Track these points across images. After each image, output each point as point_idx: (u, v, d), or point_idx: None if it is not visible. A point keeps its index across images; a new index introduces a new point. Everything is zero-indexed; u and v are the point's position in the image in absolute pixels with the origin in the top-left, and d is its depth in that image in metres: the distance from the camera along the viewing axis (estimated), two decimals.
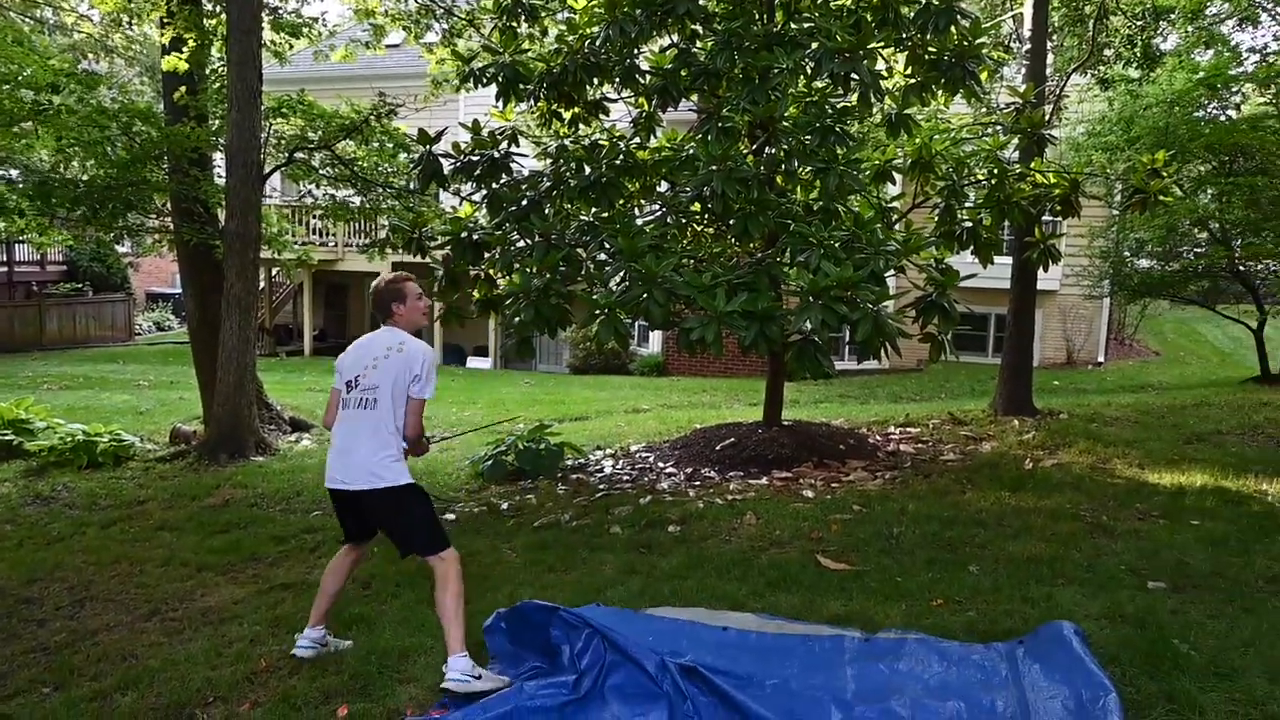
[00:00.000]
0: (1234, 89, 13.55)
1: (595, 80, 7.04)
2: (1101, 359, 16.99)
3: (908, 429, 8.67)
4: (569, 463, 7.51)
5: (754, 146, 6.64)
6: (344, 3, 11.54)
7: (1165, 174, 6.76)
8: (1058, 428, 8.19)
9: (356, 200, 10.41)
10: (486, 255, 6.70)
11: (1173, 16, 13.48)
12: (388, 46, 12.57)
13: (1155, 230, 12.72)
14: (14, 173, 10.17)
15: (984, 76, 7.13)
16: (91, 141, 8.81)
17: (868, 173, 7.01)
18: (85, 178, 9.49)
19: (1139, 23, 12.97)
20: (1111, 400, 10.51)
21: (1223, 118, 13.55)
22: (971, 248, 7.03)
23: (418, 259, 7.14)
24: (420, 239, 6.85)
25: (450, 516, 6.09)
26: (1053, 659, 3.36)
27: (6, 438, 8.32)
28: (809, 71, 6.56)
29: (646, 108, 7.32)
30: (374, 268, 14.81)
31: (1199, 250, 13.20)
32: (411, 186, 9.51)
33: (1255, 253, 11.93)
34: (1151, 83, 13.25)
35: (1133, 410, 9.25)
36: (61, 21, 21.00)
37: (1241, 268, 12.45)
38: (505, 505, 6.30)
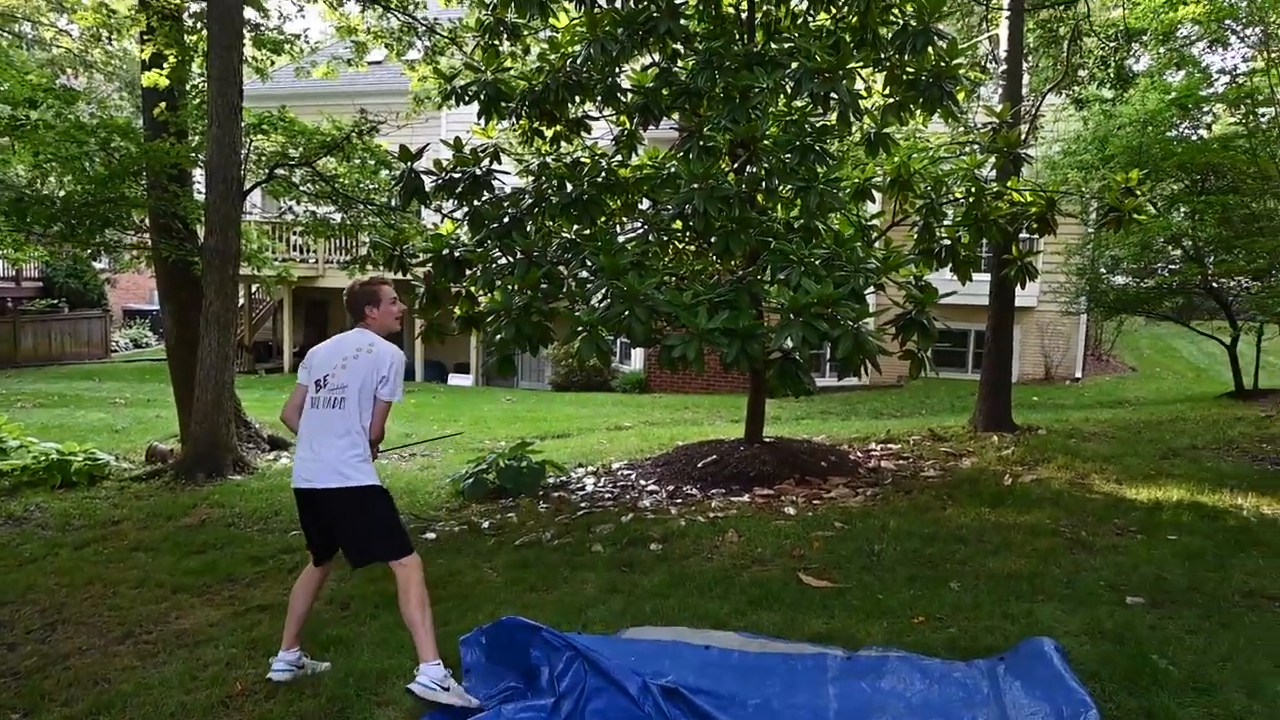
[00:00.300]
0: (1205, 109, 13.79)
1: (577, 98, 7.07)
2: (1079, 374, 17.16)
3: (889, 445, 8.71)
4: (550, 480, 7.48)
5: (735, 165, 6.68)
6: (326, 19, 11.55)
7: (1139, 192, 6.87)
8: (1036, 444, 8.25)
9: (337, 217, 10.38)
10: (468, 272, 6.70)
11: (1144, 38, 13.73)
12: (370, 63, 12.57)
13: (1130, 248, 12.90)
14: None
15: (961, 96, 7.22)
16: (69, 157, 8.74)
17: (848, 191, 7.07)
18: (62, 194, 9.41)
19: (1112, 44, 13.21)
20: (1089, 416, 10.61)
21: (1194, 137, 13.78)
22: (950, 265, 7.11)
23: (399, 276, 7.12)
24: (401, 256, 6.84)
25: (430, 535, 6.04)
26: (1034, 676, 3.37)
27: None
28: (789, 91, 6.62)
29: (628, 126, 7.36)
30: None
31: (1173, 267, 13.39)
32: (393, 203, 9.49)
33: (1228, 270, 12.12)
34: (1125, 103, 13.46)
35: (1110, 426, 9.35)
36: (40, 36, 20.86)
37: (1215, 284, 12.64)
38: (486, 524, 6.26)
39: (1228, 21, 13.91)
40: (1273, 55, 12.56)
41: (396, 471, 8.39)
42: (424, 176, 6.86)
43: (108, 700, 3.56)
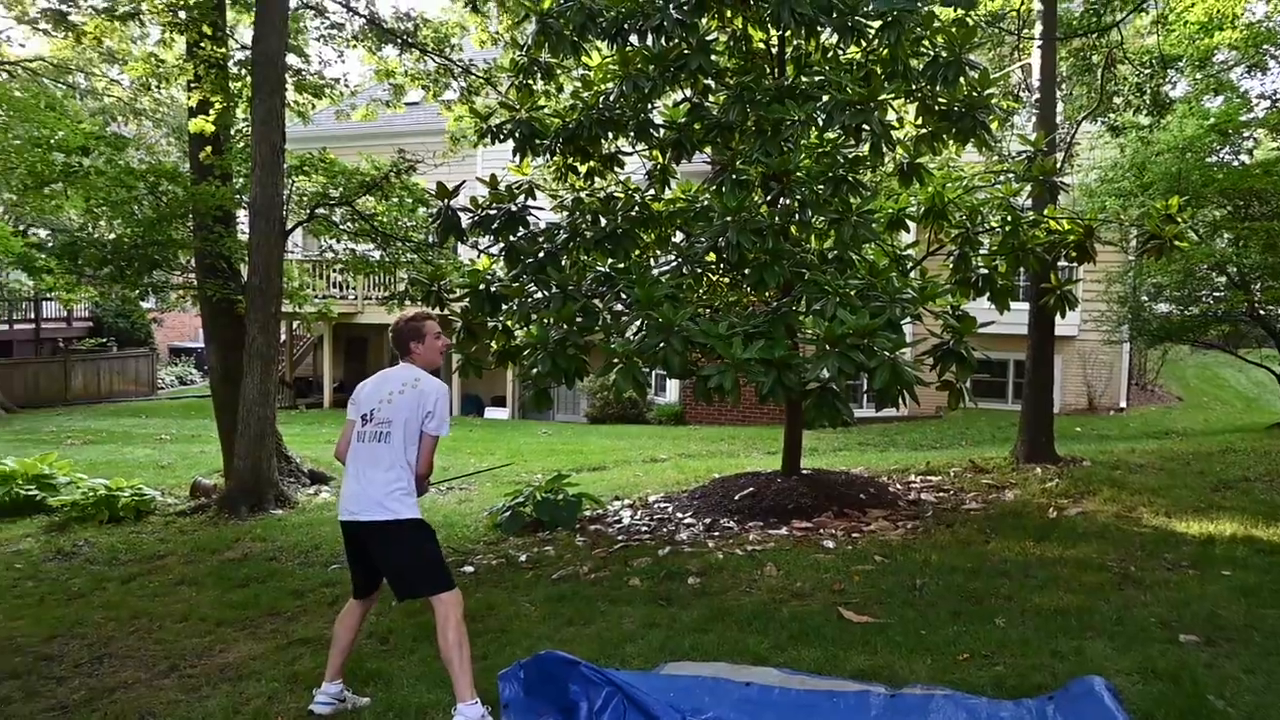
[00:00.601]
0: (1245, 134, 13.60)
1: (610, 134, 7.17)
2: (1124, 404, 16.81)
3: (929, 477, 8.58)
4: (587, 513, 7.47)
5: (768, 197, 6.71)
6: (365, 63, 11.85)
7: (1180, 219, 6.78)
8: (1081, 475, 8.08)
9: (376, 254, 10.56)
10: (504, 307, 6.77)
11: (1181, 64, 13.62)
12: (407, 104, 12.85)
13: (1172, 275, 12.69)
14: (44, 232, 10.41)
15: (994, 126, 7.22)
16: (119, 201, 9.03)
17: (881, 221, 7.06)
18: (112, 237, 9.71)
19: (1147, 71, 13.09)
20: (1135, 447, 10.38)
21: (1235, 163, 13.58)
22: (987, 294, 7.05)
23: (437, 311, 7.22)
24: (439, 291, 6.94)
25: (468, 569, 6.06)
26: (1084, 716, 3.28)
27: (30, 493, 8.38)
28: (820, 123, 6.65)
29: (661, 160, 7.43)
30: (393, 320, 14.95)
31: (1218, 294, 13.14)
32: (430, 240, 9.65)
33: (1275, 297, 11.86)
34: (1162, 129, 13.31)
35: (1157, 457, 9.13)
36: (93, 86, 21.66)
37: (1262, 311, 12.36)
38: (523, 557, 6.27)
39: (1266, 46, 13.79)
40: None
41: (434, 505, 8.44)
42: (460, 213, 6.98)
43: None
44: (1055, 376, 11.00)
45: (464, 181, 7.54)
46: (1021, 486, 7.86)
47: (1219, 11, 12.42)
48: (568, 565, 5.92)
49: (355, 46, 11.46)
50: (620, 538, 6.64)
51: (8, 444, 13.10)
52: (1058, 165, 8.28)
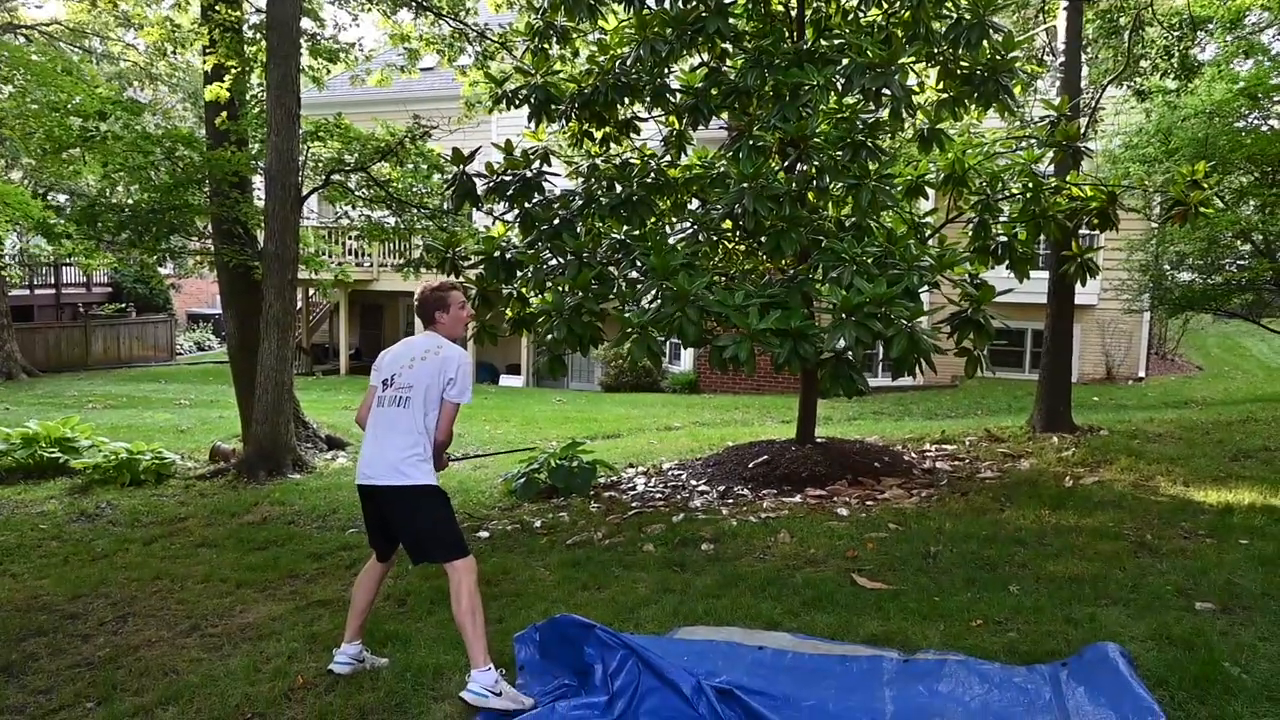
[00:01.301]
0: (1276, 99, 13.28)
1: (626, 100, 7.10)
2: (1142, 374, 16.66)
3: (944, 446, 8.56)
4: (602, 480, 7.51)
5: (785, 163, 6.64)
6: (380, 27, 11.76)
7: (1206, 185, 6.65)
8: (1098, 445, 8.04)
9: (391, 221, 10.55)
10: (519, 274, 6.76)
11: (1211, 26, 13.29)
12: (422, 70, 12.75)
13: (1196, 243, 12.49)
14: (63, 197, 10.45)
15: (1018, 90, 7.08)
16: (136, 167, 9.05)
17: (900, 188, 6.97)
18: (130, 202, 9.74)
19: (1175, 33, 12.80)
20: (1153, 416, 10.31)
21: (1265, 128, 13.29)
22: (1007, 262, 6.97)
23: (452, 278, 7.22)
24: (454, 258, 6.93)
25: (484, 534, 6.11)
26: (1098, 682, 3.29)
27: (53, 455, 8.51)
28: (839, 88, 6.55)
29: (677, 126, 7.36)
30: (409, 287, 14.99)
31: (1242, 263, 12.93)
32: (445, 207, 9.63)
33: None
34: (1190, 94, 13.02)
35: (1176, 426, 9.06)
36: (109, 51, 21.63)
37: None
38: (538, 523, 6.32)
39: None
40: None
41: (449, 471, 8.47)
42: (475, 180, 6.95)
43: (176, 691, 3.67)
44: (1074, 346, 10.90)
45: (479, 148, 7.50)
46: (1038, 455, 7.83)
47: None
48: (582, 531, 5.96)
49: (370, 10, 11.36)
50: (635, 504, 6.67)
51: (30, 407, 13.28)
52: (1081, 130, 8.13)
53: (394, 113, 14.39)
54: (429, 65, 15.02)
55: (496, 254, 6.66)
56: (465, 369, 3.70)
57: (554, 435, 10.57)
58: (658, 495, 6.97)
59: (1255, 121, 13.48)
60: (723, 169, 7.10)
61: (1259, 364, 18.34)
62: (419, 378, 3.64)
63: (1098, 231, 7.25)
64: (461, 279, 7.17)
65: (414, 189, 10.07)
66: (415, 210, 10.11)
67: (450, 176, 7.16)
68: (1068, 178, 7.23)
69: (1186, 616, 4.02)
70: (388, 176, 9.99)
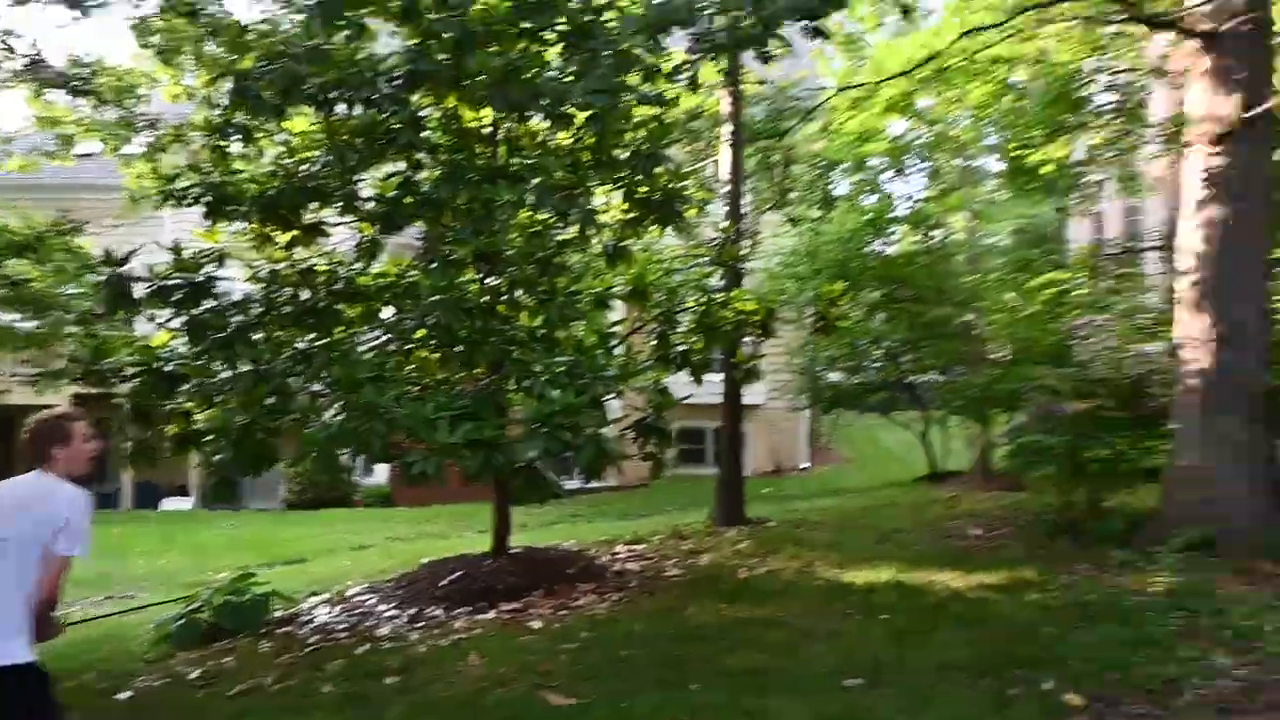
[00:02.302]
0: (891, 230, 15.94)
1: (314, 204, 6.86)
2: (806, 465, 18.65)
3: (634, 546, 8.88)
4: (278, 614, 6.82)
5: (479, 276, 6.75)
6: (30, 106, 10.38)
7: (840, 303, 7.77)
8: (768, 536, 8.79)
9: (29, 325, 9.19)
10: (184, 387, 6.15)
11: (843, 167, 15.79)
12: (80, 156, 11.41)
13: (842, 347, 14.44)
14: None
15: (691, 213, 7.85)
16: None
17: (588, 301, 7.35)
18: None
19: (816, 170, 15.03)
20: (814, 504, 11.51)
21: (886, 253, 15.85)
22: (687, 369, 7.55)
23: (100, 391, 6.40)
24: (102, 370, 6.15)
25: (123, 695, 5.28)
26: None
27: None
28: (530, 205, 6.83)
29: (369, 232, 7.22)
30: (47, 401, 13.00)
31: (877, 365, 15.11)
32: (96, 311, 8.59)
33: (919, 368, 13.88)
34: (829, 222, 15.26)
35: (832, 514, 10.18)
36: None
37: (909, 381, 14.39)
38: (195, 674, 5.57)
39: (904, 156, 16.39)
40: (940, 186, 14.88)
41: (93, 617, 7.33)
42: (133, 283, 6.29)
43: None
44: (747, 443, 11.97)
45: (142, 245, 6.84)
46: (716, 550, 8.38)
47: (868, 126, 14.59)
48: (249, 678, 5.36)
49: (14, 87, 10.05)
50: (313, 639, 6.15)
51: None
52: (744, 252, 9.18)
53: (42, 201, 12.66)
54: (90, 151, 13.54)
55: (156, 365, 6.02)
56: (84, 513, 3.15)
57: (226, 565, 9.51)
58: (341, 626, 6.46)
59: (880, 246, 16.04)
60: (415, 278, 7.06)
61: (890, 454, 21.25)
62: (17, 529, 3.06)
63: (761, 339, 8.13)
64: (114, 394, 6.39)
65: (59, 290, 8.89)
66: (60, 314, 8.91)
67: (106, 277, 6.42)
68: (733, 293, 8.07)
69: (839, 695, 4.45)
70: (25, 275, 8.74)
